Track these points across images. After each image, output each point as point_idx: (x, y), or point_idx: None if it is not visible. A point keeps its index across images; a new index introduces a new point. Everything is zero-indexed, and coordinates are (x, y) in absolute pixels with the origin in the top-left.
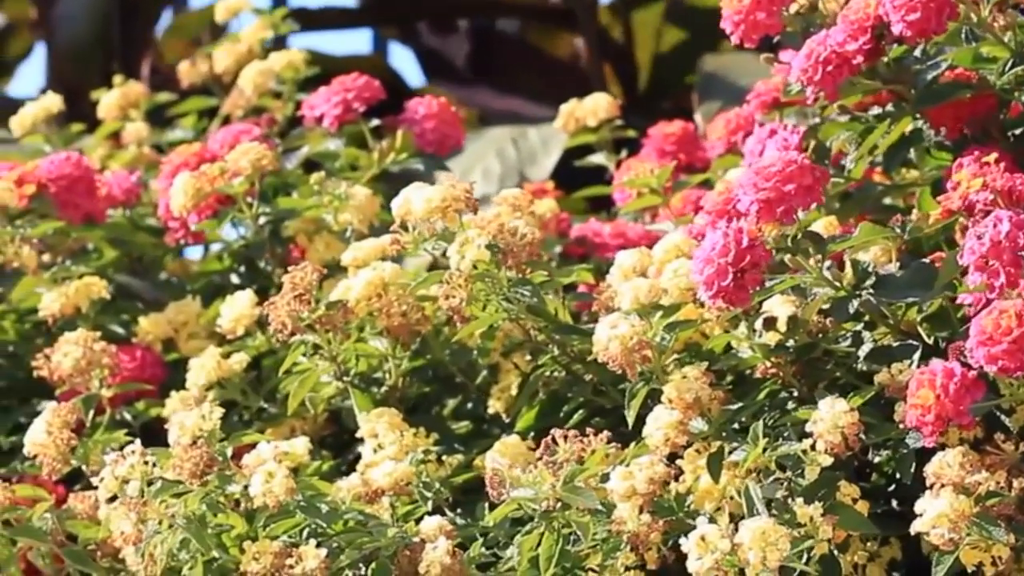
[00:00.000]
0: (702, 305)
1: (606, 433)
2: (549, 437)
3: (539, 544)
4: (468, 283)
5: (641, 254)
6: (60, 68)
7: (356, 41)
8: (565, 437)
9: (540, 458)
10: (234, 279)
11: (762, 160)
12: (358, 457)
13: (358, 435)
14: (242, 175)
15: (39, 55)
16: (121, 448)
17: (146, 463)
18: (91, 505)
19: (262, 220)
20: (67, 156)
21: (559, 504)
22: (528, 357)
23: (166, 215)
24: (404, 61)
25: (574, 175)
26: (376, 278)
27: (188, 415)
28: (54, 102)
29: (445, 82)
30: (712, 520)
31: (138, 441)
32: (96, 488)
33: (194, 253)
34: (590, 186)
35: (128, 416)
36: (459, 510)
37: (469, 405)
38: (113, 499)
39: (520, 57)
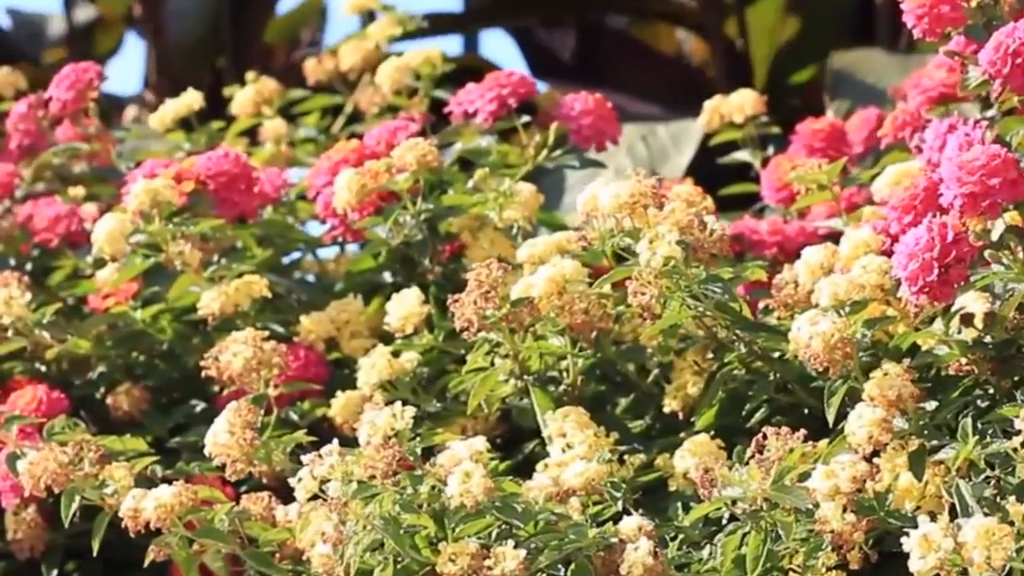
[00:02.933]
0: (888, 302)
1: (802, 431)
2: (760, 435)
3: (741, 544)
4: (658, 280)
5: (828, 250)
6: (169, 65)
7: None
8: (776, 435)
9: (730, 456)
10: (387, 277)
11: (965, 154)
12: (528, 456)
13: (528, 434)
14: (407, 171)
15: (131, 51)
16: (300, 448)
17: (346, 463)
18: (265, 506)
19: (423, 217)
20: (225, 153)
21: (766, 503)
22: (711, 355)
23: (325, 212)
24: (491, 53)
25: (700, 172)
26: (558, 274)
27: (379, 414)
28: (195, 99)
29: (551, 77)
30: (932, 520)
31: (335, 441)
32: (267, 489)
33: (326, 253)
34: (729, 184)
35: (294, 416)
36: (640, 510)
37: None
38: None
39: (626, 52)
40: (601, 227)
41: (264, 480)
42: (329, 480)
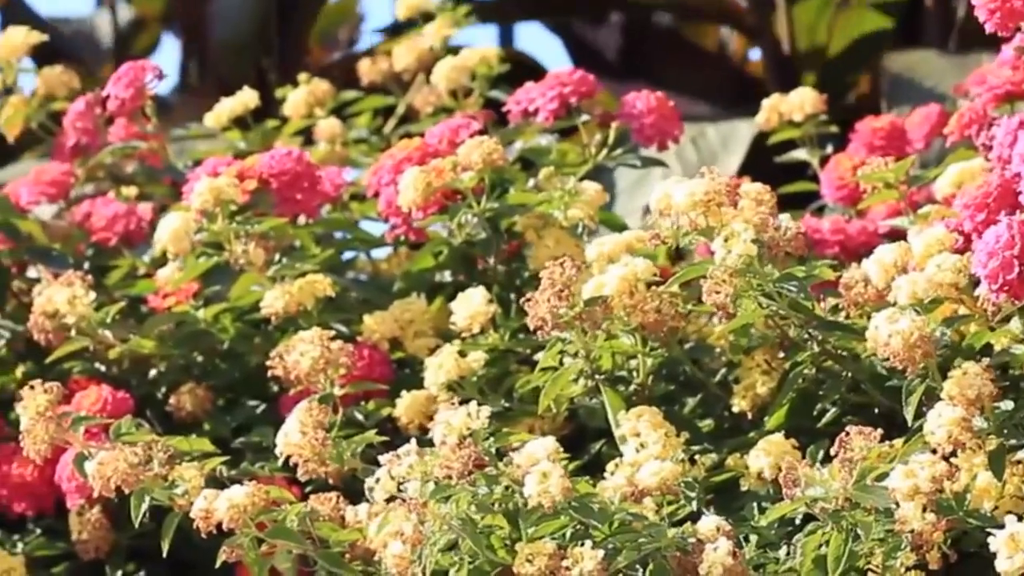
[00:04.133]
0: (961, 301)
1: (879, 431)
2: (843, 433)
3: (821, 544)
4: (733, 278)
5: (901, 249)
6: (213, 65)
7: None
8: (860, 434)
9: (802, 456)
10: (447, 276)
11: None
12: (595, 456)
13: (594, 433)
14: (472, 170)
15: (168, 50)
16: (370, 448)
17: (425, 463)
18: (333, 507)
19: (487, 216)
20: (288, 151)
21: (848, 503)
22: (781, 355)
23: (388, 211)
24: (527, 45)
25: (751, 172)
26: (630, 273)
27: (454, 414)
28: (251, 98)
29: (595, 74)
30: (1019, 520)
31: (413, 441)
32: (332, 489)
33: (377, 252)
34: (778, 184)
35: (359, 416)
36: (711, 509)
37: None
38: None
39: (671, 50)
40: (673, 225)
41: (329, 480)
42: (405, 480)
